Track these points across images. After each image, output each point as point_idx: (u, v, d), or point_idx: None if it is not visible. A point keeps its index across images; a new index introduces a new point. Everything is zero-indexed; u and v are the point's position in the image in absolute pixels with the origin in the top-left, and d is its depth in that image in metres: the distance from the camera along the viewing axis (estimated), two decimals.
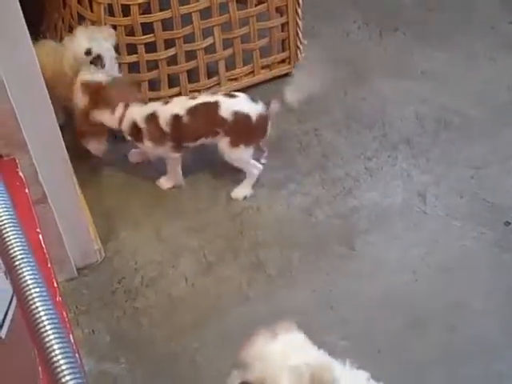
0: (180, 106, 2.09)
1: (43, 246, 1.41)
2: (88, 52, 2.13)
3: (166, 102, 2.13)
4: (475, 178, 2.25)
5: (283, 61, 2.60)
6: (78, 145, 2.23)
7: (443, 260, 2.03)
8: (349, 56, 2.69)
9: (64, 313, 1.29)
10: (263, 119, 2.10)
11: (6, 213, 0.80)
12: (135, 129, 2.11)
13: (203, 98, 2.11)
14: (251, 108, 2.08)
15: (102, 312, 1.90)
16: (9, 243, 0.78)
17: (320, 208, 2.17)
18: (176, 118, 2.07)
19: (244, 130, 2.09)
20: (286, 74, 2.60)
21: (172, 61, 2.39)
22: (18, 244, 0.78)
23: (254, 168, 2.17)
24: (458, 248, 2.06)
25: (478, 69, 2.62)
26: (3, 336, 0.80)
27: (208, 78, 2.47)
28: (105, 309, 1.91)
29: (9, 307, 0.82)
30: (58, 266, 1.56)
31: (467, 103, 2.49)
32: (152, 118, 2.09)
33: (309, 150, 2.35)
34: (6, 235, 0.82)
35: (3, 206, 0.82)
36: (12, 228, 0.84)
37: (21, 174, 1.54)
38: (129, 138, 2.15)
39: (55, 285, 1.33)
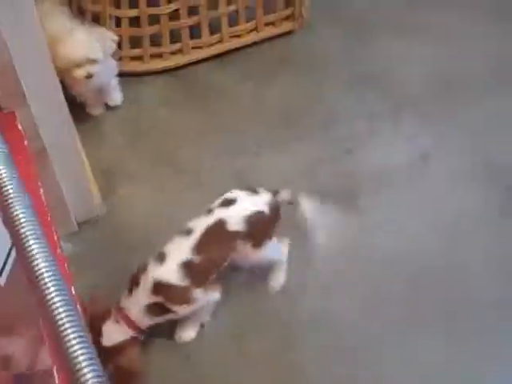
0: (179, 256, 1.66)
1: (43, 199, 1.40)
2: (89, 76, 2.08)
3: (161, 258, 1.66)
4: (479, 140, 2.23)
5: (287, 18, 2.55)
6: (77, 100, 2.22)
7: (444, 222, 2.03)
8: (354, 14, 2.64)
9: (65, 266, 1.28)
10: (275, 207, 1.77)
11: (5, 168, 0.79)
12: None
13: (200, 225, 1.69)
14: (259, 203, 1.74)
15: (102, 267, 1.89)
16: (9, 199, 0.77)
17: (322, 168, 2.15)
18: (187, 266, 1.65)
19: (263, 228, 1.76)
20: (290, 32, 2.56)
21: (174, 16, 2.35)
22: (18, 200, 0.76)
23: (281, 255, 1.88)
24: (460, 210, 2.05)
25: (485, 28, 2.57)
26: (2, 283, 0.80)
27: (210, 35, 2.43)
28: (105, 264, 1.91)
29: (9, 255, 0.82)
30: (58, 220, 1.54)
31: (473, 63, 2.45)
32: (160, 287, 1.63)
33: (312, 109, 2.32)
34: (5, 189, 0.80)
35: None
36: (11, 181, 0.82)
37: (20, 127, 1.52)
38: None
39: (55, 238, 1.32)
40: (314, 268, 1.92)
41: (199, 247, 1.66)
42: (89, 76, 2.09)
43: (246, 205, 1.73)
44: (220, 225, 1.68)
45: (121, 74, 2.34)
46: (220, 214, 1.70)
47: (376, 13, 2.65)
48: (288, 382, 1.74)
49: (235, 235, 1.70)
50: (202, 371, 1.74)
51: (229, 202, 1.73)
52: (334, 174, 2.13)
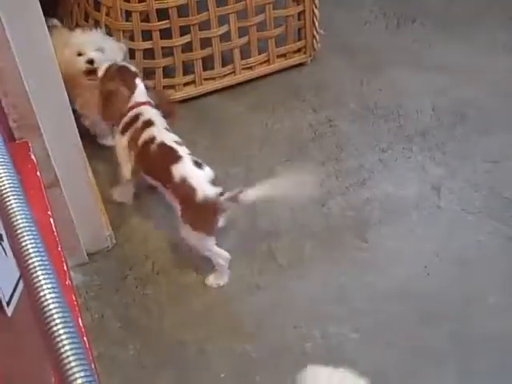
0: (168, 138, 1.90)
1: (54, 229, 1.40)
2: (90, 62, 2.07)
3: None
4: (491, 171, 2.22)
5: (299, 50, 2.58)
6: (90, 131, 2.24)
7: (457, 254, 2.01)
8: (365, 46, 2.67)
9: (73, 297, 1.28)
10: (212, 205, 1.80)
11: (11, 185, 0.78)
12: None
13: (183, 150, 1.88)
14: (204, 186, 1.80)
15: (111, 298, 1.89)
16: (14, 219, 0.76)
17: (333, 199, 2.15)
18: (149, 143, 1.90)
19: (190, 205, 1.81)
20: (302, 64, 2.59)
21: (187, 48, 2.38)
22: (23, 220, 0.76)
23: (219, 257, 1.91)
24: (473, 243, 2.04)
25: (497, 60, 2.59)
26: (10, 314, 0.80)
27: (223, 66, 2.46)
28: (115, 295, 1.90)
29: (17, 285, 0.82)
30: (68, 251, 1.55)
31: (485, 95, 2.45)
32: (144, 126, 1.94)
33: (323, 141, 2.33)
34: (14, 219, 0.80)
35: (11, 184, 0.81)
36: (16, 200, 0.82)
37: (33, 157, 1.54)
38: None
39: (65, 268, 1.32)
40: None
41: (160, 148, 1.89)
42: (90, 61, 2.05)
43: (194, 174, 1.84)
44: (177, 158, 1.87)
45: None
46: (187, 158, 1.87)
47: (387, 45, 2.67)
48: None
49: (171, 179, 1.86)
50: None
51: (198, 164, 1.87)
52: (344, 205, 2.13)
